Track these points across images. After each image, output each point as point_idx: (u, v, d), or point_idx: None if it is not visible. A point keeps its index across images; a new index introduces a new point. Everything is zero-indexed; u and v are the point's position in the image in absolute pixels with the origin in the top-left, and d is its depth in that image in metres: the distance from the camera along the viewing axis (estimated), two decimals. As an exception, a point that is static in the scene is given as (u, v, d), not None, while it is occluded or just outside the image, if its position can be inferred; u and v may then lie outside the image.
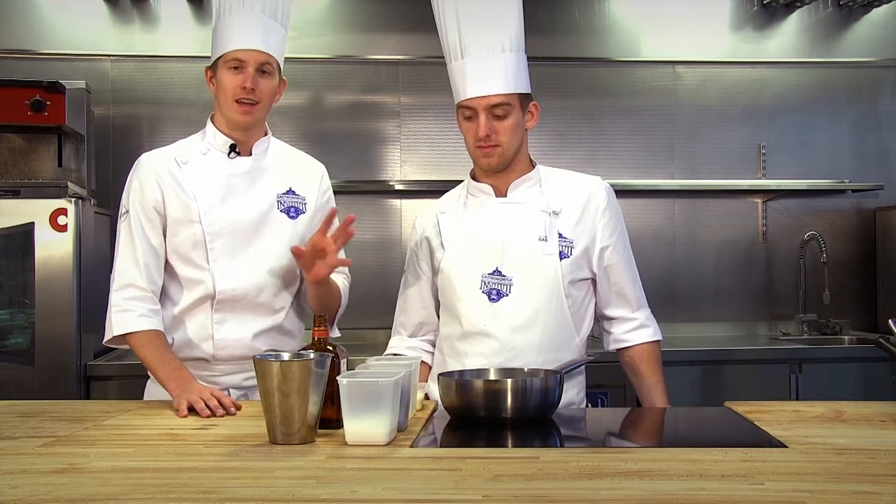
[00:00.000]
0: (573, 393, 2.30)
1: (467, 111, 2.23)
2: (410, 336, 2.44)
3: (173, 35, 4.15)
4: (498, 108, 2.20)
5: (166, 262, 2.29)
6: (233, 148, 2.31)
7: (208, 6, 4.11)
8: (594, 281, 2.33)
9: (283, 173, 2.35)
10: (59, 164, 3.74)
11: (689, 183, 4.29)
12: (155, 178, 2.27)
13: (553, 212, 2.28)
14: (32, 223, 3.32)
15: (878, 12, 4.40)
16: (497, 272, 2.26)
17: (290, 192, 2.34)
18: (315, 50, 4.15)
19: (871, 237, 4.39)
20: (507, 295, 2.24)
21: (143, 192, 2.27)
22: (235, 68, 2.22)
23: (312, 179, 2.40)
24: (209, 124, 2.36)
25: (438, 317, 2.40)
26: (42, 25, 4.10)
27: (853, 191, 4.36)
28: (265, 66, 2.24)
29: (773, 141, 4.37)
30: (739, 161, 4.36)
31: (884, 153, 4.42)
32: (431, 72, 4.21)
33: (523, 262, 2.24)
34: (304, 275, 2.27)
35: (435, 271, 2.36)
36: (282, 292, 2.31)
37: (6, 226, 3.33)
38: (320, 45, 4.17)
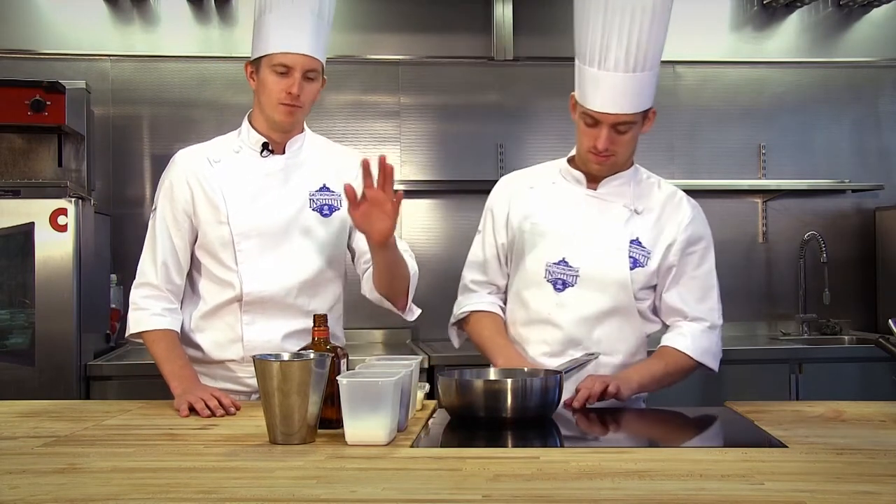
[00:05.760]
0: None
1: (590, 119, 2.19)
2: (489, 293, 2.40)
3: (173, 35, 4.13)
4: (623, 125, 2.18)
5: (198, 260, 2.27)
6: (265, 146, 2.27)
7: (208, 6, 4.11)
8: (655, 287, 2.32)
9: (317, 170, 2.31)
10: (59, 164, 3.73)
11: (689, 183, 4.26)
12: (186, 178, 2.26)
13: (635, 210, 2.28)
14: (32, 223, 3.31)
15: (878, 12, 4.39)
16: (563, 262, 2.25)
17: (323, 188, 2.29)
18: (315, 50, 4.15)
19: (871, 237, 4.39)
20: (574, 286, 2.24)
21: (173, 192, 2.26)
22: (282, 73, 2.17)
23: (349, 172, 2.31)
24: (245, 122, 2.32)
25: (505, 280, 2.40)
26: (42, 25, 4.10)
27: (853, 191, 4.35)
28: (311, 73, 2.19)
29: (773, 141, 4.36)
30: (739, 161, 4.36)
31: (884, 153, 4.42)
32: (431, 72, 4.22)
33: (593, 256, 2.24)
34: (368, 243, 2.15)
35: (511, 242, 2.35)
36: (315, 296, 2.27)
37: (6, 226, 3.32)
38: (320, 45, 4.17)
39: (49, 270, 3.31)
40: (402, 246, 2.27)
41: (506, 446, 1.79)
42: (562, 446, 1.90)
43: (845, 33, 4.40)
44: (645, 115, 2.22)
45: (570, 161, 2.36)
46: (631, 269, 2.24)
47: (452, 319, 2.43)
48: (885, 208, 4.33)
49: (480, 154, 4.19)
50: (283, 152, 2.29)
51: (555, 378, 1.99)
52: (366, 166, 2.02)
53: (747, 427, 1.91)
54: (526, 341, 2.31)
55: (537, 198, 2.35)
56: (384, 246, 2.12)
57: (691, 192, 4.24)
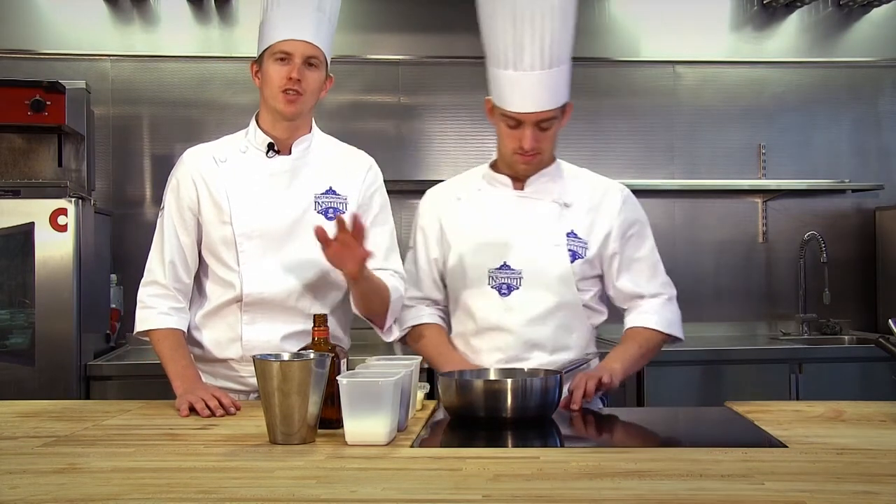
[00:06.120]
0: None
1: (512, 121, 2.21)
2: (427, 306, 2.41)
3: (173, 35, 4.14)
4: (545, 122, 2.20)
5: (204, 260, 2.28)
6: (271, 147, 2.27)
7: (208, 6, 4.11)
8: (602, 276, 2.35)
9: (324, 172, 2.30)
10: (59, 164, 3.73)
11: (689, 183, 4.29)
12: (192, 176, 2.26)
13: (565, 203, 2.30)
14: (32, 223, 3.32)
15: (878, 12, 4.39)
16: (505, 266, 2.26)
17: (329, 191, 2.29)
18: (315, 50, 4.15)
19: (871, 237, 4.39)
20: (518, 288, 2.25)
21: (179, 191, 2.27)
22: (282, 59, 2.18)
23: (356, 175, 2.33)
24: (252, 122, 2.32)
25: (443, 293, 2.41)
26: (42, 25, 4.10)
27: (853, 191, 4.35)
28: (312, 60, 2.20)
29: (773, 141, 4.37)
30: (739, 161, 4.36)
31: (884, 153, 4.42)
32: (431, 72, 4.22)
33: (533, 256, 2.26)
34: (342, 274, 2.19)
35: (444, 257, 2.36)
36: (317, 300, 2.25)
37: (6, 226, 3.32)
38: (320, 45, 4.16)
39: (49, 270, 3.31)
40: (395, 266, 2.29)
41: (506, 446, 1.79)
42: (562, 446, 1.90)
43: (845, 33, 4.40)
44: (563, 109, 2.25)
45: (493, 166, 2.37)
46: (571, 261, 2.26)
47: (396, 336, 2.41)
48: (885, 208, 4.33)
49: (481, 154, 4.18)
50: (290, 153, 2.29)
51: (555, 378, 1.99)
52: (339, 221, 2.02)
53: (747, 427, 1.91)
54: (478, 351, 2.30)
55: (467, 207, 2.36)
56: (356, 280, 2.15)
57: (691, 192, 4.34)
